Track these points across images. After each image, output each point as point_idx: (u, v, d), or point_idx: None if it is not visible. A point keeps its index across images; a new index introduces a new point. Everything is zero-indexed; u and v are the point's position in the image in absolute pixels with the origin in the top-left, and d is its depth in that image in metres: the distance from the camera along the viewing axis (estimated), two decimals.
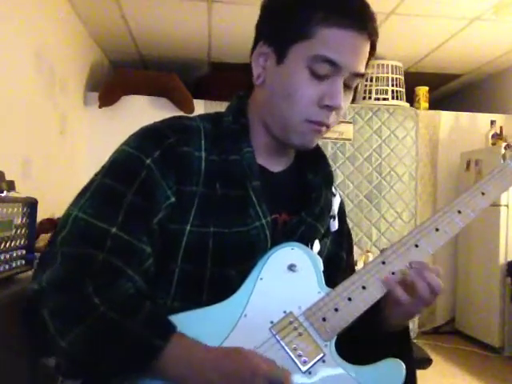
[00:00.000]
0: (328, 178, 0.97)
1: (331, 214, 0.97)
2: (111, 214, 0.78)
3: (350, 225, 1.12)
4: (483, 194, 0.92)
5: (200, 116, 0.93)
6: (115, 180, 0.81)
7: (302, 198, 0.94)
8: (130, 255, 0.77)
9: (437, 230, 0.89)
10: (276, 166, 0.94)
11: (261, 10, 0.91)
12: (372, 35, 0.85)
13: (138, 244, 0.78)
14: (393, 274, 0.86)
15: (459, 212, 0.91)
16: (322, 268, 0.87)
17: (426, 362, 1.78)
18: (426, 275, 0.84)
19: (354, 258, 1.16)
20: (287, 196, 0.94)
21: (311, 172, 0.97)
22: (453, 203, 0.92)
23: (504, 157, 0.97)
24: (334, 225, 0.98)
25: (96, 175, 0.84)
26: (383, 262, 0.86)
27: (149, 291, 0.80)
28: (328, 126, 0.87)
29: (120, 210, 0.78)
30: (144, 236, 0.79)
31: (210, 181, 0.85)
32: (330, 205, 0.97)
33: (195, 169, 0.84)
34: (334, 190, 1.01)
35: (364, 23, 0.84)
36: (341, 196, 1.05)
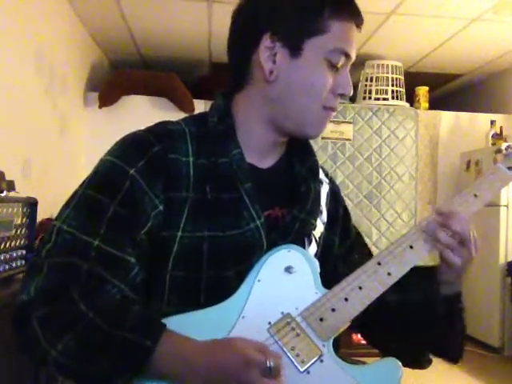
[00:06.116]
0: (313, 168, 0.98)
1: (320, 209, 0.97)
2: (94, 226, 0.78)
3: None
4: (476, 196, 0.95)
5: (184, 119, 0.93)
6: (98, 191, 0.80)
7: (292, 191, 0.94)
8: (114, 266, 0.77)
9: None
10: (266, 162, 0.94)
11: (256, 3, 0.92)
12: (361, 25, 0.91)
13: (121, 255, 0.78)
14: (389, 274, 0.86)
15: None
16: (318, 269, 0.87)
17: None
18: (451, 224, 0.87)
19: None
20: (278, 190, 0.94)
21: (298, 163, 0.97)
22: (446, 205, 0.93)
23: (495, 160, 0.99)
24: (323, 218, 0.98)
25: (80, 186, 0.83)
26: (379, 263, 0.87)
27: (136, 297, 0.79)
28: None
29: (103, 222, 0.78)
30: (128, 247, 0.79)
31: (200, 185, 0.84)
32: (319, 197, 0.97)
33: (183, 175, 0.84)
34: (323, 176, 1.01)
35: (359, 15, 0.90)
36: (333, 181, 1.06)
